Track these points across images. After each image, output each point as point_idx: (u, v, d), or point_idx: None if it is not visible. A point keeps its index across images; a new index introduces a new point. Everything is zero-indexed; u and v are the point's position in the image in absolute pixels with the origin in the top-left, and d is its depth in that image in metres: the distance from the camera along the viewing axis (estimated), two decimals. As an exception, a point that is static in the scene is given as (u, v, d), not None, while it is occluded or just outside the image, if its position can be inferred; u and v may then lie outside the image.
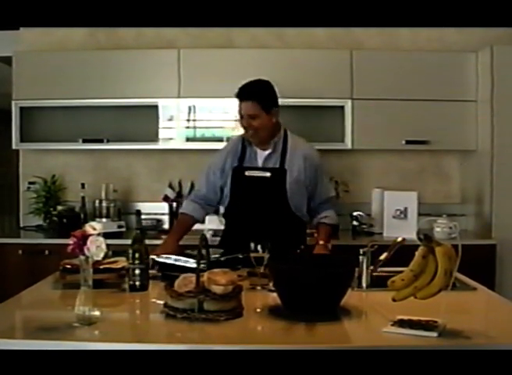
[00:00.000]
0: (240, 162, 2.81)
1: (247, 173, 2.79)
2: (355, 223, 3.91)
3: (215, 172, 2.85)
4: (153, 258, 2.42)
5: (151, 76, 3.79)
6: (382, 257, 2.32)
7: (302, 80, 3.79)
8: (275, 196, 2.78)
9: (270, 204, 2.78)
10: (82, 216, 3.88)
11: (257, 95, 2.73)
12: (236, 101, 2.77)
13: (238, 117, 2.82)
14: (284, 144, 2.83)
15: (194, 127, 3.87)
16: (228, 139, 3.53)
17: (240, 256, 2.47)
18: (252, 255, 2.30)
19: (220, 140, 3.73)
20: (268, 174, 2.78)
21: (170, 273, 2.27)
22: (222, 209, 3.06)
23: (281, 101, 3.76)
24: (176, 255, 2.46)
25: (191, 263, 2.31)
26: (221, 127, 3.86)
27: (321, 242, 2.79)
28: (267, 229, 2.71)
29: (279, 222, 2.77)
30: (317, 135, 3.90)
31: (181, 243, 2.78)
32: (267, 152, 2.81)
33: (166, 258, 2.45)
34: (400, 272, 1.81)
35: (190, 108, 3.84)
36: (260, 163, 2.81)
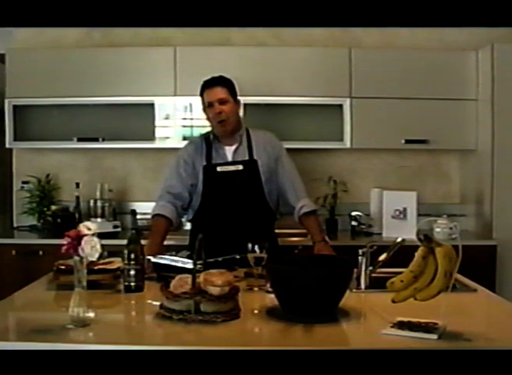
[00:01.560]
0: (208, 160, 2.86)
1: (219, 169, 2.85)
2: (354, 223, 3.91)
3: (186, 169, 2.88)
4: (149, 259, 2.41)
5: (147, 74, 3.79)
6: (382, 258, 2.31)
7: (300, 79, 3.79)
8: (251, 187, 2.85)
9: (246, 196, 2.84)
10: (76, 215, 3.87)
11: (224, 82, 2.88)
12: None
13: (205, 110, 2.89)
14: (248, 138, 2.92)
15: (191, 126, 3.87)
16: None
17: (237, 257, 2.47)
18: (249, 255, 2.29)
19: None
20: (240, 167, 2.85)
21: (166, 274, 2.26)
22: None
23: (279, 100, 3.81)
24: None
25: (187, 264, 2.31)
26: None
27: (318, 239, 2.81)
28: (242, 222, 2.79)
29: (253, 213, 2.84)
30: (315, 134, 3.91)
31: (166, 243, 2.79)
32: (234, 147, 2.89)
33: (162, 258, 2.44)
34: (400, 273, 1.80)
35: (186, 107, 3.84)
36: (230, 158, 2.88)
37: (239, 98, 2.92)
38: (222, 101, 2.82)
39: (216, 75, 2.89)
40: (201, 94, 2.89)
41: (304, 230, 3.04)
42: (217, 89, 2.83)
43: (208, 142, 2.91)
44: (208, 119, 2.91)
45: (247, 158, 2.88)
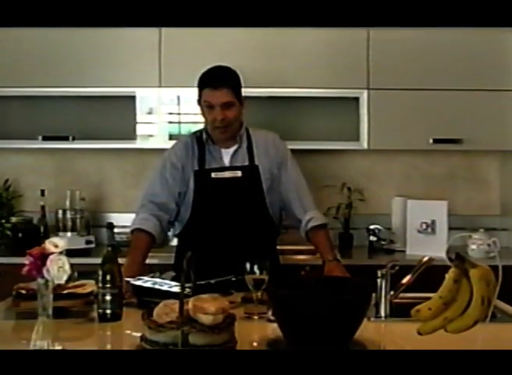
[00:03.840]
0: (200, 164, 2.87)
1: (213, 175, 2.86)
2: (372, 238, 3.91)
3: (174, 174, 2.89)
4: (128, 281, 2.42)
5: (127, 61, 3.79)
6: (405, 280, 2.32)
7: (308, 67, 3.80)
8: (251, 197, 2.87)
9: (245, 207, 2.86)
10: (41, 229, 3.87)
11: (231, 82, 2.84)
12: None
13: (200, 103, 2.88)
14: (248, 139, 2.93)
15: (179, 122, 3.88)
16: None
17: (233, 279, 2.48)
18: (248, 277, 2.29)
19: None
20: (239, 173, 2.86)
21: (148, 300, 2.26)
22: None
23: (283, 92, 3.81)
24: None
25: (173, 287, 2.31)
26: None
27: (329, 258, 2.81)
28: (239, 238, 2.82)
29: (252, 227, 2.85)
30: (326, 133, 3.92)
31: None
32: (232, 149, 2.91)
33: (143, 281, 2.44)
34: (427, 299, 1.80)
35: (173, 100, 3.85)
36: (227, 162, 2.89)
37: (243, 95, 2.90)
38: (226, 106, 2.80)
39: (218, 65, 2.87)
40: (199, 88, 2.87)
41: (311, 247, 3.04)
42: (222, 91, 2.78)
43: (200, 142, 2.92)
44: (204, 115, 2.91)
45: (246, 163, 2.89)
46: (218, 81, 2.80)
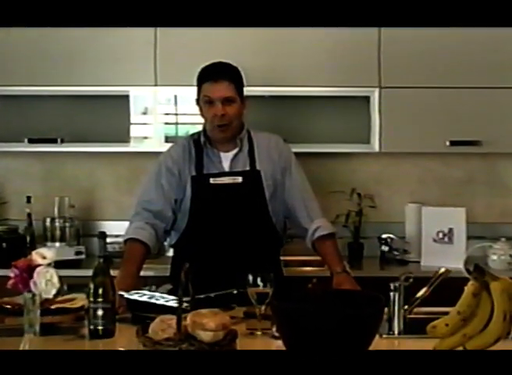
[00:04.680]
0: (198, 169, 2.88)
1: (212, 181, 2.86)
2: (384, 248, 3.90)
3: (170, 180, 2.90)
4: (121, 295, 2.42)
5: (120, 58, 3.79)
6: (420, 294, 2.32)
7: (315, 65, 3.79)
8: (252, 204, 2.88)
9: (246, 215, 2.87)
10: (28, 239, 3.87)
11: (232, 76, 2.87)
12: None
13: (199, 103, 2.90)
14: (249, 142, 2.94)
15: (176, 123, 3.88)
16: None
17: (235, 292, 2.48)
18: (250, 290, 2.30)
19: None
20: (239, 179, 2.87)
21: (143, 315, 2.27)
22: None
23: (287, 91, 3.81)
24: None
25: (170, 301, 2.31)
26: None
27: (338, 270, 2.81)
28: (240, 248, 2.83)
29: (254, 237, 2.86)
30: (334, 134, 3.92)
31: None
32: (232, 153, 2.92)
33: (138, 294, 2.44)
34: (444, 314, 1.80)
35: (170, 100, 3.85)
36: (226, 167, 2.90)
37: (245, 94, 2.93)
38: (226, 101, 2.82)
39: (218, 61, 2.90)
40: (199, 85, 2.90)
41: (318, 258, 3.05)
42: (223, 84, 2.82)
43: (198, 145, 2.92)
44: (203, 115, 2.92)
45: (247, 168, 2.90)
46: (218, 74, 2.84)
